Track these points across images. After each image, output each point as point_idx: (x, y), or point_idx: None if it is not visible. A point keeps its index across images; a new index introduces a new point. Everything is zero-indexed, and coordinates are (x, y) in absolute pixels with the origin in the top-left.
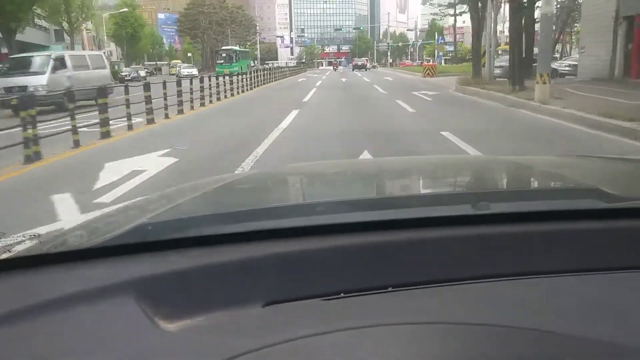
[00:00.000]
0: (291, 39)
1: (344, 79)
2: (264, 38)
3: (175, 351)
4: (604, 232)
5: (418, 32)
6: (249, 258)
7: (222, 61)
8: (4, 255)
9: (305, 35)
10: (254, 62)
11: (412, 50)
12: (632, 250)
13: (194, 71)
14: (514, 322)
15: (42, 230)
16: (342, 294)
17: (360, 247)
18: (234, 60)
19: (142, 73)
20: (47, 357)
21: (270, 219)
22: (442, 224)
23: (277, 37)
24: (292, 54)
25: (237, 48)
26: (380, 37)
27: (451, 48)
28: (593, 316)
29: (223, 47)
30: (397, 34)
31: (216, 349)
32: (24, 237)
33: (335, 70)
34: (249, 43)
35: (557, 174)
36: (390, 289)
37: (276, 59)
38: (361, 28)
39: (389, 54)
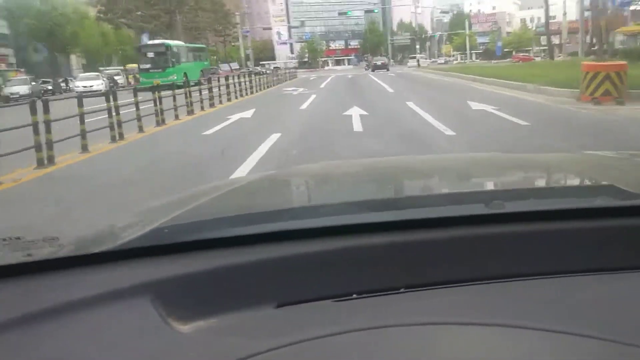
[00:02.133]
0: (289, 34)
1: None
2: (247, 32)
3: (189, 352)
4: (621, 231)
5: (435, 22)
6: (261, 260)
7: (148, 65)
8: (23, 259)
9: (307, 29)
10: (243, 65)
11: (429, 44)
12: None
13: (97, 84)
14: (528, 323)
15: (60, 233)
16: (354, 295)
17: (372, 248)
18: (170, 64)
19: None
20: (63, 359)
21: (281, 220)
22: (455, 224)
23: (264, 29)
24: (291, 51)
25: (174, 43)
26: (394, 29)
27: (484, 39)
28: (609, 317)
29: (149, 42)
30: (415, 25)
31: (229, 350)
32: (43, 240)
33: (367, 69)
34: (229, 39)
35: (571, 171)
36: (402, 289)
37: (273, 58)
38: (375, 11)
39: (417, 47)
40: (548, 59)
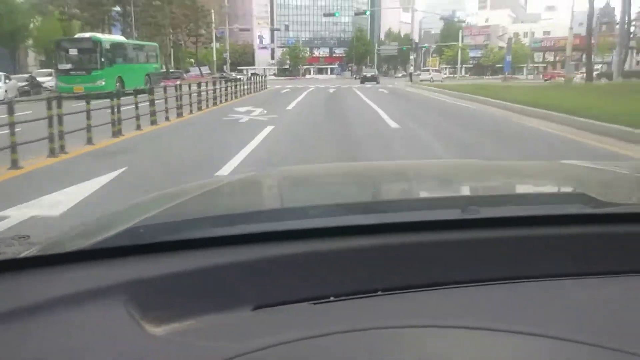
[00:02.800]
0: (272, 37)
1: None
2: (222, 32)
3: (163, 355)
4: (591, 237)
5: (423, 32)
6: (238, 261)
7: (69, 66)
8: None
9: (291, 34)
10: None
11: (413, 56)
12: (619, 254)
13: None
14: (503, 325)
15: (32, 232)
16: (331, 298)
17: (349, 250)
18: (99, 66)
19: None
20: (32, 359)
21: (259, 222)
22: (431, 228)
23: (241, 29)
24: (272, 57)
25: (106, 38)
26: (382, 38)
27: (475, 54)
28: (583, 320)
29: (73, 37)
30: (403, 35)
31: (205, 353)
32: (12, 239)
33: (357, 78)
34: (202, 39)
35: (545, 179)
36: (379, 292)
37: (252, 63)
38: (367, 12)
39: (414, 59)
40: (585, 81)
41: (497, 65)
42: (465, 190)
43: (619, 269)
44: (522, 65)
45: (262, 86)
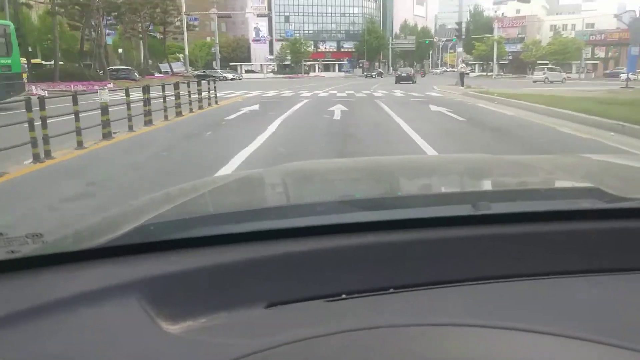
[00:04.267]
0: (270, 29)
1: None
2: (195, 20)
3: (178, 352)
4: (604, 233)
5: (438, 26)
6: (251, 259)
7: None
8: (6, 256)
9: (292, 26)
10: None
11: (430, 52)
12: (632, 251)
13: None
14: (516, 323)
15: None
16: (344, 295)
17: (362, 247)
18: None
19: None
20: (48, 358)
21: (272, 219)
22: (443, 225)
23: (220, 16)
24: (271, 52)
25: None
26: (398, 32)
27: (514, 48)
28: (596, 318)
29: None
30: (419, 29)
31: (219, 350)
32: (26, 237)
33: (397, 82)
34: (169, 29)
35: (557, 173)
36: (391, 290)
37: (248, 59)
38: None
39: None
40: None
41: (539, 62)
42: (477, 186)
43: (631, 266)
44: (572, 62)
45: (210, 100)
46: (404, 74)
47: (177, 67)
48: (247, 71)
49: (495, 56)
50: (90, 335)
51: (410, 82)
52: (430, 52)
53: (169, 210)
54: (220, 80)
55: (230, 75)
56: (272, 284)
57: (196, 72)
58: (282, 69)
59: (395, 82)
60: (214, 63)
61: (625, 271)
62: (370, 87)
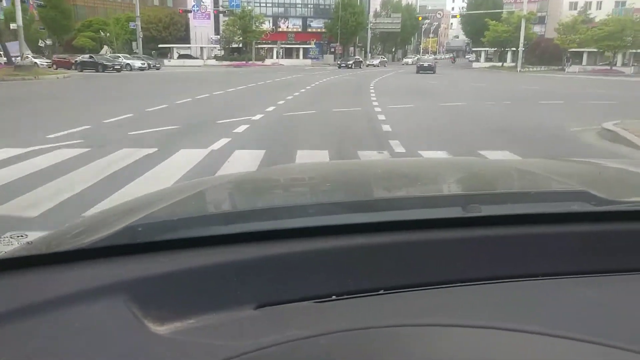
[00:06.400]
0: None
1: None
2: None
3: (165, 354)
4: (594, 235)
5: (418, 6)
6: (240, 260)
7: None
8: None
9: None
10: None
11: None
12: (622, 252)
13: None
14: (507, 324)
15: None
16: (334, 297)
17: (351, 249)
18: None
19: None
20: (33, 359)
21: (261, 220)
22: (434, 227)
23: None
24: (217, 32)
25: None
26: (379, 9)
27: (540, 28)
28: (586, 319)
29: None
30: (404, 5)
31: (207, 351)
32: (11, 238)
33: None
34: None
35: (547, 176)
36: (382, 291)
37: (187, 40)
38: None
39: None
40: None
41: (572, 50)
42: (467, 188)
43: (622, 267)
44: (623, 49)
45: None
46: (425, 64)
47: (13, 48)
48: (181, 56)
49: (521, 41)
50: (76, 337)
51: (432, 72)
52: (415, 35)
53: (157, 211)
54: (117, 70)
55: (137, 64)
56: (261, 285)
57: (80, 57)
58: (230, 53)
59: (417, 72)
60: (133, 44)
61: (615, 273)
62: (360, 93)
